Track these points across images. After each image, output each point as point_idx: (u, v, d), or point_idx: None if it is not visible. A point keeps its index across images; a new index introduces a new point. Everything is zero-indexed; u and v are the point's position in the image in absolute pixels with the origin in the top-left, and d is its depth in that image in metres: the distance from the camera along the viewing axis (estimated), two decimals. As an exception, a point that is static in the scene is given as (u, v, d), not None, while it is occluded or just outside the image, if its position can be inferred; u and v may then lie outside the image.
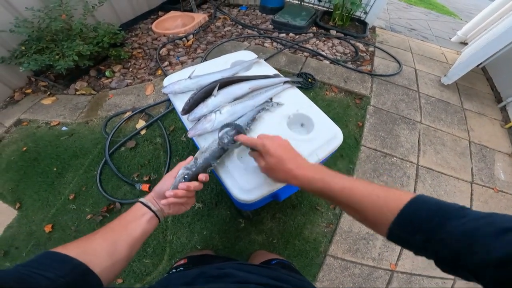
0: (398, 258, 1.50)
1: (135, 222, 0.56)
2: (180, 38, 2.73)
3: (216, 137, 0.73)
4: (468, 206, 1.70)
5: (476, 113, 2.41)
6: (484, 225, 0.33)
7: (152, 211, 0.59)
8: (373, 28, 3.38)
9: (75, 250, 0.43)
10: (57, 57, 1.94)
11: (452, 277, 1.44)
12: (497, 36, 2.15)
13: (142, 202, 0.60)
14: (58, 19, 1.96)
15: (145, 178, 1.67)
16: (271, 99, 0.98)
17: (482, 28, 3.38)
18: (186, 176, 0.64)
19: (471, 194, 1.80)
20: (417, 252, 0.41)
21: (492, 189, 1.85)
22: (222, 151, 0.72)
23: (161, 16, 3.10)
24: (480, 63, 2.97)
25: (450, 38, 3.95)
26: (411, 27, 4.24)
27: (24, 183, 1.68)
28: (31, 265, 0.37)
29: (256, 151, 0.67)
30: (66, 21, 2.02)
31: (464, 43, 3.68)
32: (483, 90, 2.72)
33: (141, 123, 1.92)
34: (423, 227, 0.39)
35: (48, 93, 2.20)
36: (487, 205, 1.76)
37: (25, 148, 1.82)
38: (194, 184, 0.62)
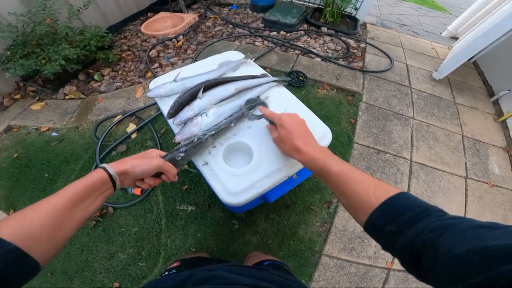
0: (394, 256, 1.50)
1: (91, 199, 0.50)
2: (170, 39, 2.70)
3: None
4: (463, 202, 1.71)
5: (469, 107, 2.42)
6: (456, 223, 0.34)
7: (114, 187, 0.55)
8: (364, 24, 3.38)
9: (10, 231, 0.38)
10: (43, 61, 1.91)
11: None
12: (487, 31, 2.16)
13: (108, 173, 0.53)
14: (43, 23, 1.93)
15: (137, 182, 1.64)
16: (258, 97, 0.98)
17: (472, 22, 3.41)
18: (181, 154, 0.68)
19: (466, 190, 1.80)
20: (386, 245, 0.43)
21: (487, 183, 1.85)
22: (199, 149, 0.78)
23: (150, 17, 3.06)
24: (471, 58, 2.99)
25: (441, 33, 3.97)
26: (402, 22, 4.26)
27: (16, 190, 1.67)
28: None
29: (274, 124, 0.74)
30: (51, 25, 1.99)
31: (455, 38, 3.71)
32: (475, 84, 2.73)
33: (131, 127, 1.90)
34: (400, 217, 0.41)
35: (37, 98, 2.17)
36: (482, 200, 1.76)
37: (16, 155, 1.81)
38: (157, 182, 0.64)
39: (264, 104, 0.90)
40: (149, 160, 0.60)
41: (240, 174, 0.77)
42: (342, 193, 0.53)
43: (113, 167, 0.54)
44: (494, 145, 2.12)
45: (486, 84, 2.73)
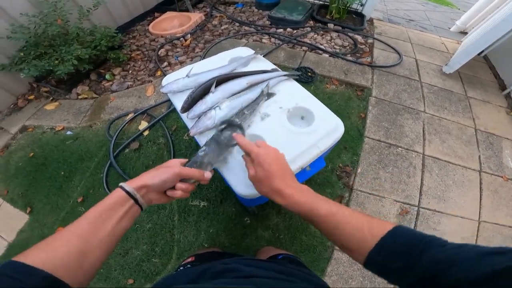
0: None
1: (113, 221, 0.48)
2: (178, 38, 2.73)
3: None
4: (478, 196, 1.70)
5: (481, 100, 2.38)
6: (466, 250, 0.34)
7: (138, 204, 0.53)
8: (371, 20, 3.35)
9: (39, 259, 0.37)
10: (56, 62, 1.95)
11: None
12: (497, 24, 2.12)
13: (127, 192, 0.51)
14: (54, 24, 1.96)
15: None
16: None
17: (481, 17, 3.35)
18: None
19: (480, 183, 1.77)
20: (393, 280, 0.42)
21: (502, 177, 1.82)
22: (222, 148, 0.71)
23: (157, 17, 3.09)
24: (482, 52, 2.95)
25: (449, 28, 3.91)
26: (409, 18, 4.21)
27: (33, 188, 1.71)
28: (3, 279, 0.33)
29: (249, 156, 0.63)
30: (62, 26, 2.02)
31: (464, 33, 3.65)
32: (486, 78, 2.69)
33: (143, 124, 1.93)
34: (404, 254, 0.40)
35: (51, 98, 2.22)
36: (497, 194, 1.73)
37: (32, 154, 1.85)
38: (191, 188, 0.61)
39: (240, 128, 0.76)
40: (166, 169, 0.58)
41: None
42: (334, 235, 0.50)
43: (129, 184, 0.53)
44: (508, 138, 2.08)
45: (497, 78, 2.68)
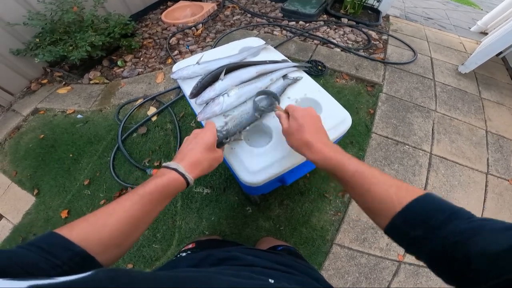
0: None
1: (163, 204, 0.50)
2: (190, 28, 2.74)
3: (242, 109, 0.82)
4: (482, 198, 1.65)
5: (495, 102, 2.31)
6: (490, 223, 0.33)
7: (188, 183, 0.54)
8: (387, 17, 3.27)
9: (82, 234, 0.39)
10: (70, 48, 1.99)
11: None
12: None
13: (183, 176, 0.53)
14: (70, 11, 2.00)
15: (156, 164, 1.70)
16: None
17: (503, 18, 3.23)
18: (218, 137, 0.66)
19: (486, 186, 1.73)
20: (411, 248, 0.41)
21: (508, 181, 1.77)
22: (254, 118, 0.78)
23: (170, 6, 3.11)
24: (500, 53, 2.85)
25: (470, 28, 3.80)
26: (427, 16, 4.10)
27: (41, 170, 1.75)
28: (31, 249, 0.34)
29: (286, 113, 0.68)
30: (77, 13, 2.06)
31: (484, 33, 3.53)
32: (502, 80, 2.60)
33: (152, 110, 1.95)
34: (427, 221, 0.38)
35: (63, 83, 2.27)
36: (502, 197, 1.69)
37: (42, 136, 1.90)
38: None
39: (277, 98, 0.83)
40: (219, 158, 0.64)
41: (259, 154, 0.78)
42: (359, 194, 0.49)
43: (189, 172, 0.54)
44: (518, 142, 2.01)
45: (515, 80, 2.59)
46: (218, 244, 0.86)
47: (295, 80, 0.99)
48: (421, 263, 1.13)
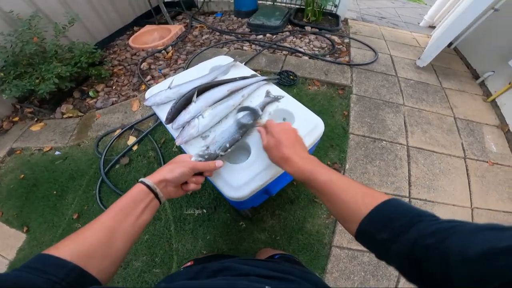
0: None
1: (135, 214, 0.51)
2: (160, 51, 2.74)
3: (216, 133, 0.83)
4: (466, 182, 1.73)
5: (456, 90, 2.50)
6: (457, 225, 0.33)
7: (158, 198, 0.56)
8: (346, 20, 3.47)
9: (67, 251, 0.40)
10: (37, 81, 1.93)
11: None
12: (459, 16, 2.26)
13: (147, 186, 0.55)
14: (30, 42, 1.93)
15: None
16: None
17: (445, 10, 3.54)
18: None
19: (467, 170, 1.83)
20: (380, 252, 0.42)
21: (487, 162, 1.89)
22: (236, 138, 0.79)
23: (136, 31, 3.09)
24: (451, 44, 3.12)
25: (419, 23, 4.10)
26: (381, 15, 4.39)
27: (27, 208, 1.71)
28: (27, 271, 0.36)
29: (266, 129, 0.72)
30: (38, 44, 1.99)
31: (433, 27, 3.84)
32: (459, 69, 2.83)
33: (132, 139, 1.93)
34: (392, 224, 0.39)
35: (36, 119, 2.20)
36: (485, 179, 1.79)
37: (22, 176, 1.85)
38: (202, 179, 0.68)
39: (256, 112, 0.87)
40: (183, 162, 0.62)
41: (241, 169, 0.80)
42: (330, 202, 0.51)
43: (150, 179, 0.56)
44: (487, 124, 2.18)
45: (470, 68, 2.84)
46: (215, 258, 0.87)
47: (276, 99, 1.02)
48: None
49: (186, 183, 0.63)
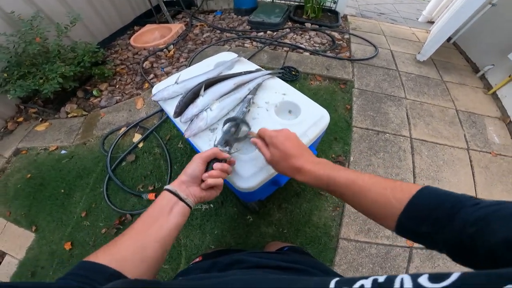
0: None
1: (163, 218, 0.51)
2: (161, 50, 2.76)
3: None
4: (470, 173, 1.74)
5: (457, 83, 2.52)
6: (499, 209, 0.32)
7: (182, 199, 0.55)
8: (345, 16, 3.49)
9: (106, 258, 0.42)
10: (41, 81, 1.93)
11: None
12: (457, 11, 2.27)
13: (169, 190, 0.55)
14: (33, 43, 1.94)
15: (150, 188, 1.70)
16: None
17: (443, 5, 3.57)
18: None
19: (470, 161, 1.84)
20: (427, 243, 0.40)
21: (490, 153, 1.90)
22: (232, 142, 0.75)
23: (137, 31, 3.11)
24: (450, 39, 3.13)
25: (417, 19, 4.13)
26: (379, 11, 4.41)
27: (35, 207, 1.72)
28: (71, 278, 0.37)
29: (263, 140, 0.66)
30: (41, 44, 2.00)
31: (431, 22, 3.86)
32: (459, 63, 2.85)
33: (137, 137, 1.94)
34: (433, 215, 0.37)
35: (40, 119, 2.21)
36: (489, 170, 1.80)
37: (29, 175, 1.86)
38: (226, 166, 0.64)
39: (247, 123, 0.81)
40: (194, 159, 0.61)
41: (249, 159, 0.81)
42: (358, 203, 0.49)
43: (171, 184, 0.57)
44: (489, 116, 2.19)
45: (469, 62, 2.86)
46: (223, 253, 0.87)
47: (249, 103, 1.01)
48: None
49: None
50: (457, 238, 0.34)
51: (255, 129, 0.78)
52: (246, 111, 0.91)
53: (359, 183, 0.48)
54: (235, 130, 0.78)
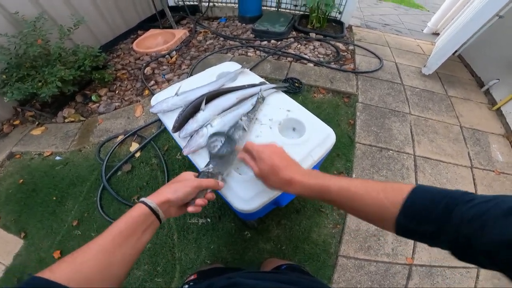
0: (413, 251, 1.49)
1: (136, 237, 0.48)
2: (163, 56, 2.73)
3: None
4: (472, 192, 1.72)
5: (462, 98, 2.49)
6: (492, 206, 0.33)
7: (159, 219, 0.53)
8: (350, 27, 3.49)
9: (64, 276, 0.38)
10: (40, 84, 1.90)
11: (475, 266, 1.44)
12: (465, 24, 2.25)
13: (149, 207, 0.52)
14: (35, 44, 1.91)
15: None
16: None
17: (449, 17, 3.55)
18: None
19: (474, 179, 1.82)
20: (431, 243, 0.40)
21: (493, 171, 1.87)
22: (224, 160, 0.73)
23: (140, 35, 3.09)
24: (456, 51, 3.11)
25: (422, 30, 4.11)
26: (384, 22, 4.40)
27: (26, 214, 1.68)
28: None
29: (250, 155, 0.66)
30: (43, 46, 1.97)
31: (436, 34, 3.84)
32: (463, 76, 2.82)
33: (134, 146, 1.90)
34: (431, 216, 0.38)
35: (37, 123, 2.17)
36: (492, 188, 1.78)
37: (21, 181, 1.82)
38: (208, 198, 0.63)
39: (231, 137, 0.79)
40: (187, 181, 0.59)
41: (250, 180, 0.77)
42: (353, 210, 0.50)
43: (152, 199, 0.53)
44: (493, 133, 2.17)
45: (474, 76, 2.82)
46: (220, 272, 0.84)
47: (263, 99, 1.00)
48: (433, 263, 1.23)
49: (188, 202, 0.60)
50: (455, 237, 0.35)
51: None
52: (247, 123, 0.88)
53: (352, 190, 0.49)
54: (223, 146, 0.76)
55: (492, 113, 2.36)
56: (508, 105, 2.26)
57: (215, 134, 0.79)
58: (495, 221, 0.31)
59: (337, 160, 1.84)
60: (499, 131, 2.19)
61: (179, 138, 0.89)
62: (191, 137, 0.84)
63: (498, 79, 2.42)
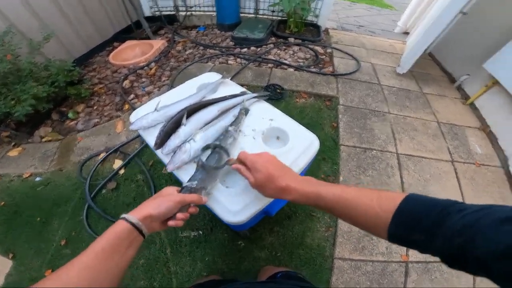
0: (407, 249, 1.50)
1: (120, 254, 0.47)
2: (142, 68, 2.68)
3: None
4: (456, 185, 1.75)
5: (437, 95, 2.60)
6: (483, 216, 0.33)
7: (143, 234, 0.52)
8: (327, 30, 3.56)
9: None
10: (12, 102, 1.81)
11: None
12: (432, 23, 2.34)
13: (132, 223, 0.51)
14: (4, 60, 1.81)
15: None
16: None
17: (417, 17, 3.68)
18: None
19: (456, 173, 1.88)
20: (422, 251, 0.41)
21: (474, 164, 1.95)
22: (211, 173, 0.73)
23: (117, 47, 3.01)
24: (426, 49, 3.23)
25: (394, 30, 4.27)
26: (359, 24, 4.55)
27: (11, 235, 1.62)
28: None
29: (244, 165, 0.67)
30: (12, 62, 1.87)
31: (406, 33, 3.99)
32: (436, 73, 2.95)
33: (118, 163, 1.84)
34: (421, 224, 0.39)
35: (13, 143, 2.07)
36: (474, 181, 1.84)
37: (2, 203, 1.75)
38: (195, 209, 0.64)
39: (225, 150, 0.80)
40: (168, 197, 0.58)
41: (238, 193, 0.77)
42: (347, 217, 0.51)
43: (134, 215, 0.52)
44: (469, 127, 2.26)
45: (446, 72, 2.96)
46: (216, 285, 0.83)
47: (247, 111, 1.01)
48: (428, 259, 1.25)
49: (171, 217, 0.60)
50: (447, 247, 0.35)
51: None
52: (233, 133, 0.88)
53: (346, 197, 0.50)
54: (215, 157, 0.77)
55: (466, 108, 2.47)
56: (481, 99, 2.37)
57: (207, 147, 0.79)
58: (486, 232, 0.32)
59: (323, 163, 1.86)
60: (475, 124, 2.29)
61: (162, 154, 0.87)
62: (174, 153, 0.83)
63: (469, 75, 2.54)
